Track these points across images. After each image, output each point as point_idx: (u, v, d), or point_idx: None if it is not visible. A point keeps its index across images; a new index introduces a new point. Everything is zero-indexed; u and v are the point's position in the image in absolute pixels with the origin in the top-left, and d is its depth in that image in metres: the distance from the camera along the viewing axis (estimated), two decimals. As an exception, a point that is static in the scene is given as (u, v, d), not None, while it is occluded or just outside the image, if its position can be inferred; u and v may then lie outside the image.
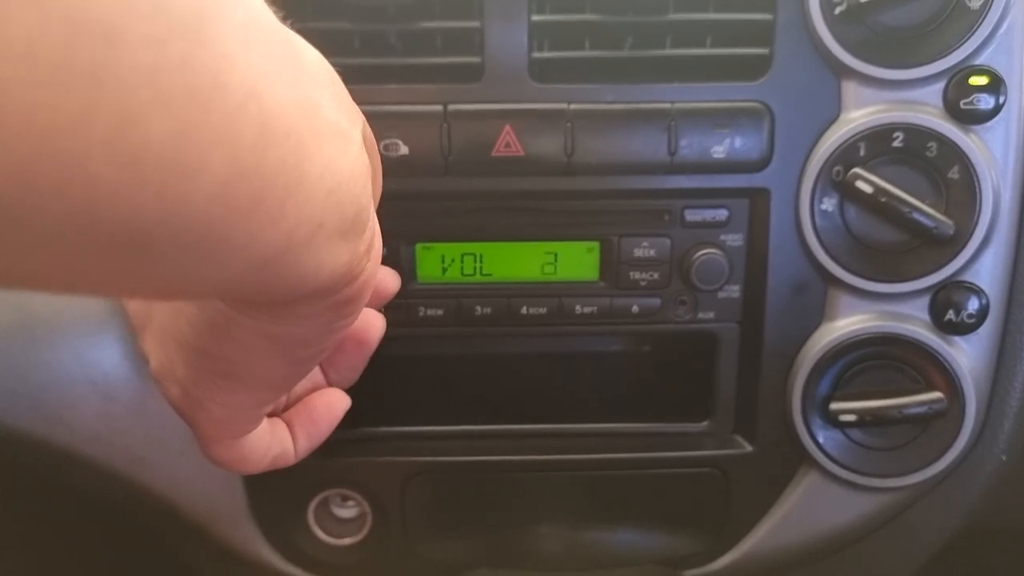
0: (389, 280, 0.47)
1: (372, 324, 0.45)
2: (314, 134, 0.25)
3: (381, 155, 0.45)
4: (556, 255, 0.49)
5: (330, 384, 0.46)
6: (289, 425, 0.42)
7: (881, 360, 0.48)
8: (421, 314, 0.49)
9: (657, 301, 0.50)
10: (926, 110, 0.45)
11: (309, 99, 0.26)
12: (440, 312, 0.49)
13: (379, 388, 0.50)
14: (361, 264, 0.31)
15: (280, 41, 0.25)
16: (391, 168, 0.45)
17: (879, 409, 0.48)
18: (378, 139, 0.45)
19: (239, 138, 0.21)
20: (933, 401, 0.47)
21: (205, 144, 0.20)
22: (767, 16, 0.46)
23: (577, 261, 0.49)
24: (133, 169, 0.18)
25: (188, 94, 0.19)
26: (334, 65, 0.45)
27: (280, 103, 0.23)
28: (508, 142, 0.45)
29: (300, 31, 0.45)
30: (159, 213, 0.20)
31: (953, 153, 0.45)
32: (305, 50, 0.28)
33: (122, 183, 0.18)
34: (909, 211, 0.45)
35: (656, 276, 0.49)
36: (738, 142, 0.46)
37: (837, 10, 0.45)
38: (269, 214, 0.23)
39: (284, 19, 0.30)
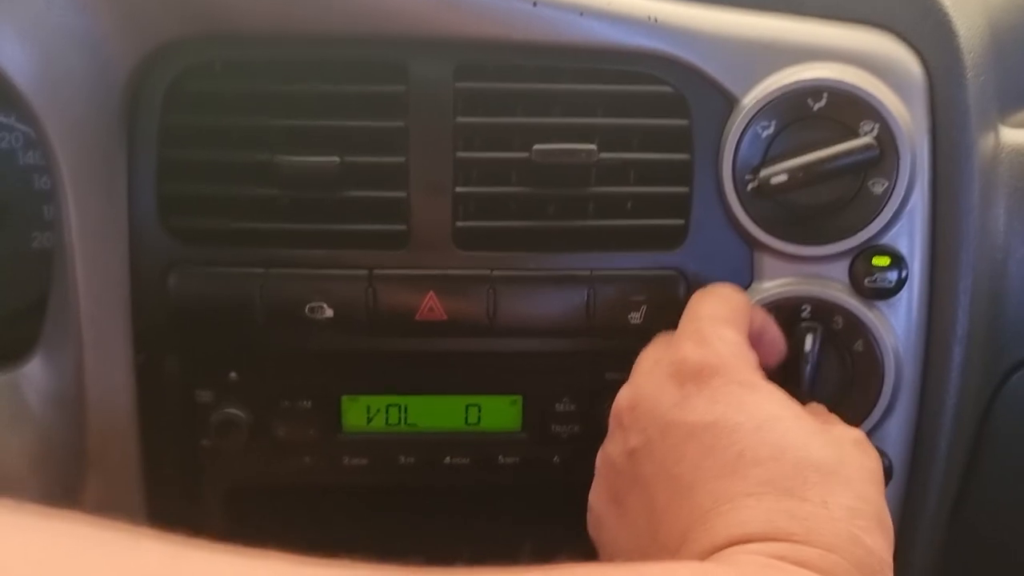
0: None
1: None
2: None
3: (307, 318, 0.46)
4: (480, 407, 0.51)
5: None
6: None
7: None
8: (346, 463, 0.50)
9: (578, 452, 0.51)
10: (833, 285, 0.47)
11: None
12: (365, 461, 0.50)
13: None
14: None
15: None
16: (317, 329, 0.47)
17: None
18: (304, 302, 0.46)
19: None
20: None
21: None
22: (684, 189, 0.48)
23: (500, 413, 0.51)
24: None
25: None
26: (259, 231, 0.47)
27: None
28: (432, 307, 0.47)
29: (231, 196, 0.47)
30: None
31: (857, 327, 0.47)
32: None
33: None
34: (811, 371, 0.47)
35: (577, 429, 0.51)
36: (654, 309, 0.48)
37: (749, 187, 0.47)
38: None
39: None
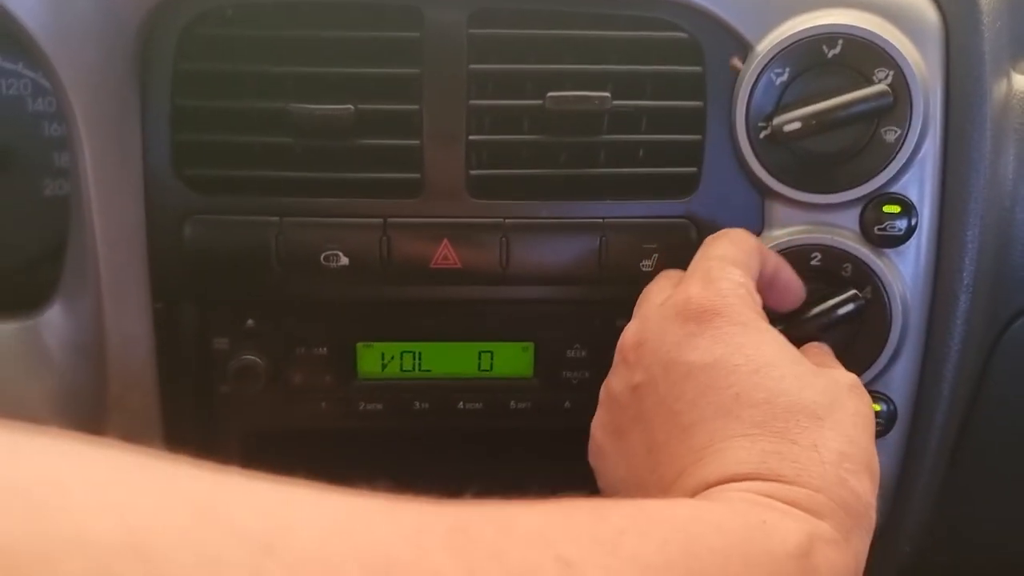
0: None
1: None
2: None
3: (322, 266, 0.47)
4: (492, 353, 0.51)
5: None
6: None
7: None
8: (361, 408, 0.51)
9: (589, 397, 0.52)
10: (843, 233, 0.48)
11: None
12: (380, 406, 0.51)
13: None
14: None
15: None
16: (332, 277, 0.47)
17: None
18: (319, 251, 0.47)
19: None
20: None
21: None
22: (696, 136, 0.48)
23: (513, 359, 0.51)
24: None
25: None
26: (274, 179, 0.47)
27: None
28: (446, 255, 0.47)
29: (245, 144, 0.47)
30: None
31: (866, 275, 0.48)
32: None
33: None
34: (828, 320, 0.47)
35: (587, 375, 0.51)
36: (666, 256, 0.48)
37: (762, 134, 0.47)
38: None
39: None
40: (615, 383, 0.41)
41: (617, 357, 0.42)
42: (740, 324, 0.37)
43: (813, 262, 0.48)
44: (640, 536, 0.27)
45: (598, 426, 0.42)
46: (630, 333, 0.41)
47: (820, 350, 0.46)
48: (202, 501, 0.20)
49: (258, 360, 0.49)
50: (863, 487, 0.34)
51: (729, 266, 0.41)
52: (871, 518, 0.34)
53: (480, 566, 0.22)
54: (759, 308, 0.40)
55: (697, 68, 0.47)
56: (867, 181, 0.47)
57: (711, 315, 0.38)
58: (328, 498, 0.22)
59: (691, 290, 0.39)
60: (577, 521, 0.27)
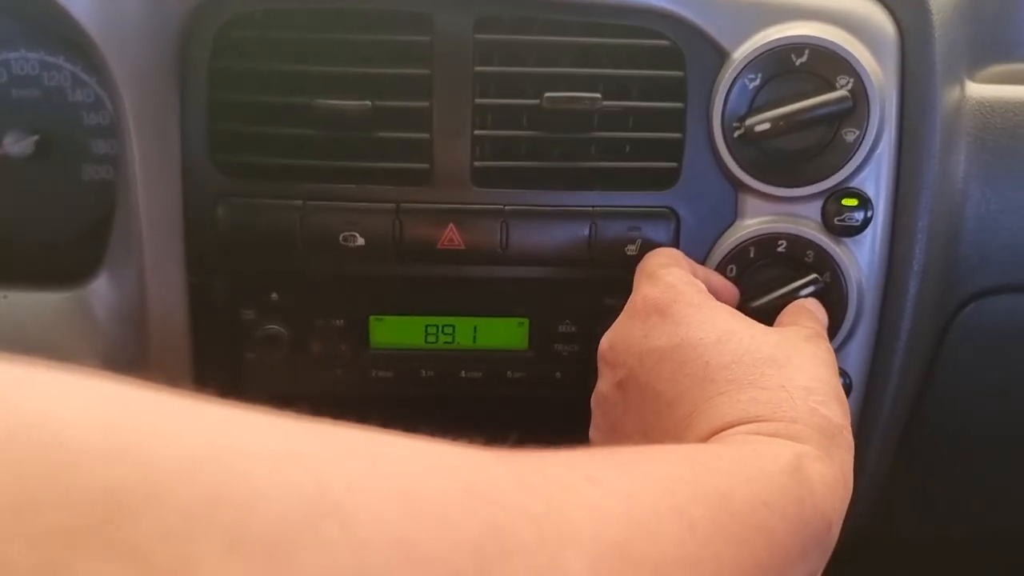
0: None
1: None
2: None
3: (340, 246, 0.52)
4: (492, 327, 0.57)
5: None
6: None
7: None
8: (373, 375, 0.57)
9: (578, 368, 0.58)
10: (806, 223, 0.53)
11: None
12: (390, 374, 0.57)
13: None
14: None
15: None
16: (350, 256, 0.53)
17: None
18: (338, 232, 0.52)
19: None
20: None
21: None
22: (677, 135, 0.53)
23: (510, 333, 0.57)
24: None
25: None
26: (298, 167, 0.52)
27: None
28: (452, 237, 0.53)
29: (273, 135, 0.52)
30: None
31: (826, 260, 0.53)
32: None
33: None
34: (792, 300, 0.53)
35: (577, 348, 0.57)
36: (648, 241, 0.54)
37: (736, 133, 0.52)
38: None
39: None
40: (602, 386, 0.47)
41: (600, 365, 0.47)
42: (695, 305, 0.43)
43: (779, 248, 0.54)
44: (651, 463, 0.32)
45: (595, 431, 0.47)
46: (604, 341, 0.47)
47: (796, 307, 0.51)
48: (322, 434, 0.23)
49: (281, 330, 0.54)
50: (833, 412, 0.39)
51: (667, 266, 0.47)
52: (847, 438, 0.40)
53: (527, 477, 0.26)
54: (706, 291, 0.46)
55: (679, 73, 0.53)
56: (828, 177, 0.52)
57: (667, 304, 0.44)
58: (394, 434, 0.25)
59: (643, 290, 0.46)
60: (598, 456, 0.32)
